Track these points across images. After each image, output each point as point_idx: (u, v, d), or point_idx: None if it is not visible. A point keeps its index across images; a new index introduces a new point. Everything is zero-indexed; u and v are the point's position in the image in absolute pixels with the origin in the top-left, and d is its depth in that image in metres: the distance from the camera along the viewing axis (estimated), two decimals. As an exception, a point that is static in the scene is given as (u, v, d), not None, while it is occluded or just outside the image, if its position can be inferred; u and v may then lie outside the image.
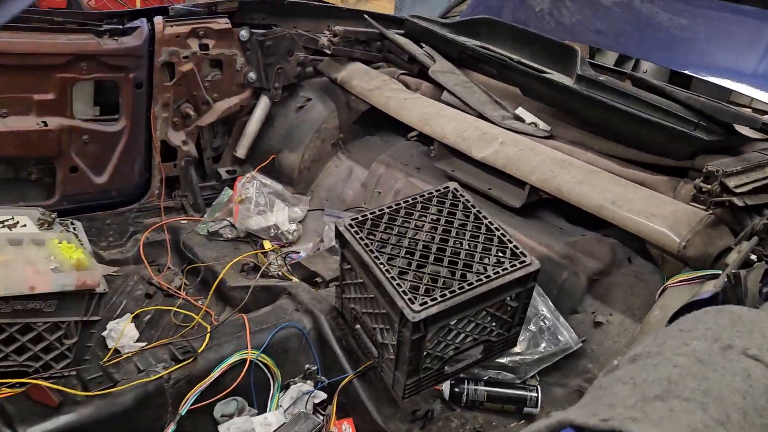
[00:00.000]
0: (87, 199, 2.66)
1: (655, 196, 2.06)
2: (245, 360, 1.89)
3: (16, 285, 1.66)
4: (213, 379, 1.82)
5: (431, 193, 2.01)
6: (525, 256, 1.81)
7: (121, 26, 2.54)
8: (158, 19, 2.60)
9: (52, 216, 2.03)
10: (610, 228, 2.14)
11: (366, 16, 3.14)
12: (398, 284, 1.69)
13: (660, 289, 1.82)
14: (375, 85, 2.87)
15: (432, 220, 1.93)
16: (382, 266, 1.75)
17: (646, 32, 3.06)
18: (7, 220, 1.98)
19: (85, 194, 2.65)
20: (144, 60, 2.59)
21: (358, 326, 1.97)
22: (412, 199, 1.98)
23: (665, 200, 2.03)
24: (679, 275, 1.79)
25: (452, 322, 1.76)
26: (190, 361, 1.81)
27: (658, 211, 1.96)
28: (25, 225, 1.99)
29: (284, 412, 1.90)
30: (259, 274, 2.41)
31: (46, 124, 2.43)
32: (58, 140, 2.47)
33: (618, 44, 3.26)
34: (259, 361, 1.92)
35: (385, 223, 1.90)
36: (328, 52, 3.00)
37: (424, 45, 3.03)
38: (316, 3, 3.17)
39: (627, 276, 2.14)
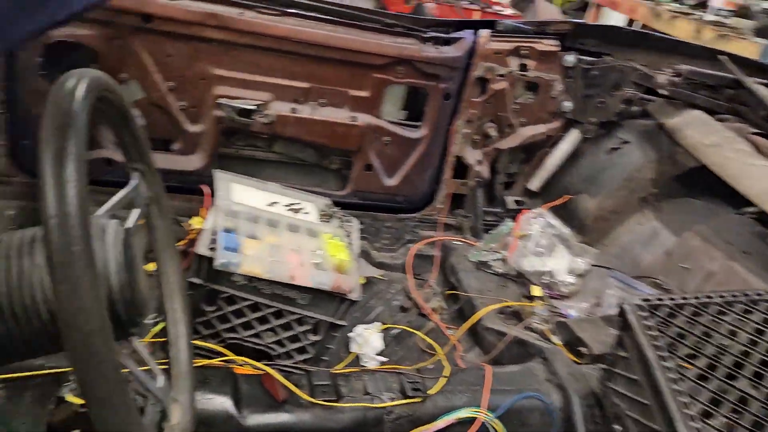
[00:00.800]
0: (374, 198, 2.70)
1: None
2: (475, 419, 1.67)
3: (279, 270, 1.68)
4: (437, 429, 1.65)
5: (761, 294, 1.54)
6: None
7: (445, 35, 2.50)
8: (484, 33, 2.50)
9: (333, 210, 2.05)
10: None
11: (722, 58, 2.63)
12: (685, 403, 1.31)
13: None
14: (714, 141, 2.39)
15: (753, 330, 1.47)
16: (668, 372, 1.37)
17: None
18: (294, 204, 2.05)
19: (374, 193, 2.69)
20: (458, 72, 2.52)
21: (618, 428, 1.61)
22: (732, 296, 1.55)
23: None
24: None
25: (751, 477, 1.31)
26: (418, 400, 1.67)
27: None
28: (308, 213, 2.04)
29: (503, 493, 1.64)
30: (518, 325, 2.16)
31: (355, 119, 2.50)
32: (361, 137, 2.53)
33: None
34: (491, 425, 1.68)
35: (686, 316, 1.51)
36: (665, 92, 2.58)
37: (792, 102, 2.43)
38: (661, 35, 2.76)
39: None
